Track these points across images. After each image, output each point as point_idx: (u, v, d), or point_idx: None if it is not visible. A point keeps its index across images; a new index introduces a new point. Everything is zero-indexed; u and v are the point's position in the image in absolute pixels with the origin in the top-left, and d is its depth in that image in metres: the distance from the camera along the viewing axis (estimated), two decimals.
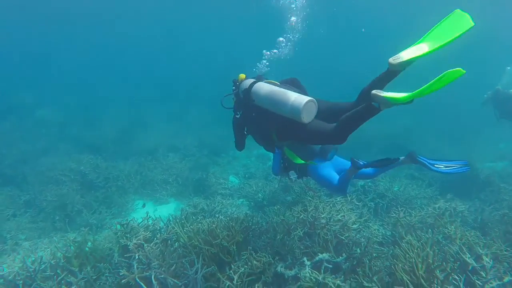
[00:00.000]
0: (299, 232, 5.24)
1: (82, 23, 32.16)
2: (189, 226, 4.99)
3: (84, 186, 8.54)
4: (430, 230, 5.28)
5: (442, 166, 3.63)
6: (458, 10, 2.65)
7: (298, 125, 3.35)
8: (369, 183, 8.28)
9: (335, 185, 4.00)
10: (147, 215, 5.52)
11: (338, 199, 6.33)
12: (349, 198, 6.46)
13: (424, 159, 3.71)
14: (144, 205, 8.33)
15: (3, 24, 29.78)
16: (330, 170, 4.26)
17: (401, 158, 3.82)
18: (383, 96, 2.70)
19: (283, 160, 4.12)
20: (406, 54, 2.77)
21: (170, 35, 38.05)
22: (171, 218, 5.87)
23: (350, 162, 4.09)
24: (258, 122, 3.77)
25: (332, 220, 5.36)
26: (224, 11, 31.04)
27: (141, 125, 14.96)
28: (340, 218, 5.40)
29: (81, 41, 35.96)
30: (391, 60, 2.82)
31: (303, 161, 3.87)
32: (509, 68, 13.67)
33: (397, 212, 5.81)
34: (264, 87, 3.57)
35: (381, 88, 2.98)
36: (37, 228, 7.15)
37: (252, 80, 3.82)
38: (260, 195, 8.02)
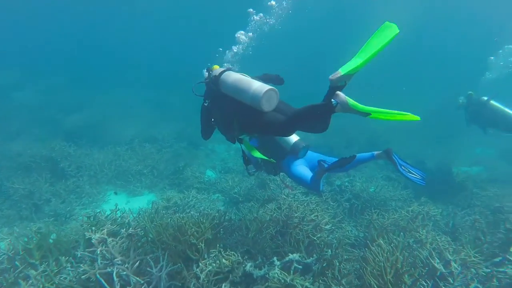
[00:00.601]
0: (271, 230, 5.17)
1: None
2: (158, 221, 4.85)
3: (54, 174, 8.27)
4: (402, 233, 5.28)
5: (406, 170, 3.71)
6: (387, 22, 2.82)
7: (257, 114, 3.41)
8: (346, 183, 8.28)
9: (308, 184, 4.00)
10: (116, 207, 5.34)
11: (313, 198, 6.29)
12: (324, 197, 6.43)
13: (397, 158, 3.80)
14: (116, 193, 8.14)
15: None
16: (303, 167, 4.27)
17: (376, 152, 3.96)
18: (345, 98, 2.86)
19: (243, 152, 4.20)
20: (344, 69, 2.85)
21: (156, 21, 37.17)
22: (141, 212, 5.72)
23: (325, 156, 4.37)
24: (222, 109, 3.81)
25: (305, 219, 5.31)
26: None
27: (121, 112, 14.60)
28: (313, 218, 5.34)
29: (70, 21, 34.86)
30: (331, 77, 2.88)
31: (261, 155, 3.87)
32: (492, 58, 13.79)
33: (370, 213, 5.78)
34: (232, 75, 3.64)
35: None
36: (2, 216, 6.86)
37: (222, 69, 3.85)
38: (235, 190, 7.92)
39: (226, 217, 5.43)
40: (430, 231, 5.32)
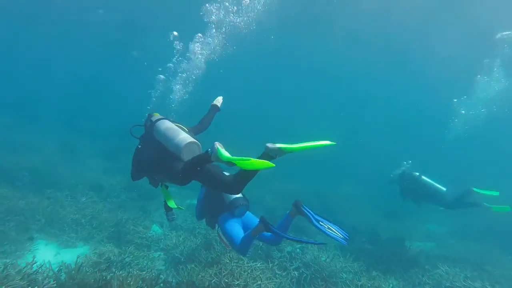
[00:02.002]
0: None
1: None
2: (79, 279, 4.25)
3: None
4: None
5: (325, 226, 3.70)
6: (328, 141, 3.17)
7: (176, 162, 3.63)
8: (297, 250, 7.90)
9: (236, 245, 4.07)
10: (33, 260, 4.68)
11: (259, 265, 5.85)
12: (270, 265, 6.00)
13: (309, 211, 3.90)
14: (31, 238, 7.31)
15: None
16: (237, 227, 4.31)
17: (289, 211, 4.12)
18: (277, 148, 3.11)
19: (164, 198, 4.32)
20: (282, 146, 3.13)
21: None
22: (63, 267, 5.04)
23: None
24: (150, 153, 3.94)
25: None
26: None
27: (70, 156, 13.84)
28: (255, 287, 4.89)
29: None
30: (268, 145, 3.16)
31: (174, 205, 4.14)
32: (455, 100, 14.80)
33: (317, 286, 5.37)
34: (165, 123, 3.92)
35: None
36: None
37: (160, 117, 4.13)
38: (179, 249, 7.34)
39: (161, 279, 4.92)
40: None
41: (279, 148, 3.11)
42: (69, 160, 13.20)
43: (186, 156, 3.59)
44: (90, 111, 26.64)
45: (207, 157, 3.19)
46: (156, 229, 9.16)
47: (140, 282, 4.37)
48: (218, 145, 3.13)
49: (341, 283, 6.23)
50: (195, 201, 10.19)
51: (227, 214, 4.38)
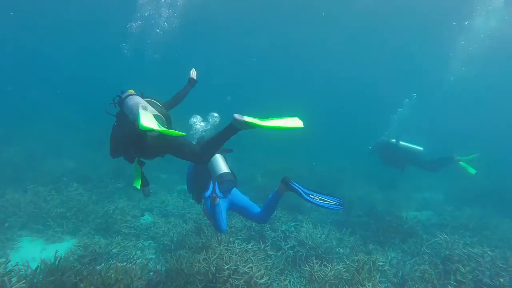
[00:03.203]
0: (197, 285, 4.41)
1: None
2: (58, 276, 3.96)
3: None
4: (346, 286, 4.68)
5: (317, 198, 3.74)
6: (297, 118, 3.26)
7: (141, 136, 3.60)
8: (292, 228, 7.70)
9: (215, 224, 4.15)
10: (7, 259, 4.37)
11: (250, 246, 5.60)
12: (262, 246, 5.75)
13: (298, 186, 3.96)
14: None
15: None
16: (219, 205, 4.27)
17: (278, 188, 4.16)
18: (243, 120, 3.13)
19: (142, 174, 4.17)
20: (249, 119, 3.16)
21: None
22: (42, 264, 4.74)
23: (250, 202, 4.62)
24: (122, 129, 3.89)
25: (237, 272, 4.59)
26: None
27: (56, 148, 13.42)
28: (246, 271, 4.63)
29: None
30: (236, 116, 3.18)
31: (138, 184, 3.99)
32: (407, 100, 15.48)
33: (311, 264, 5.12)
34: (134, 99, 3.77)
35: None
36: None
37: (131, 93, 4.01)
38: (169, 236, 7.08)
39: (149, 268, 4.66)
40: (377, 284, 4.75)
41: (245, 122, 3.13)
42: (54, 153, 12.79)
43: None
44: (78, 102, 25.91)
45: (234, 130, 3.29)
46: (146, 217, 8.89)
47: (123, 274, 4.08)
48: (238, 117, 3.17)
49: (337, 259, 6.02)
50: (184, 187, 9.93)
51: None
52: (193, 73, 4.97)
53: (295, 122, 3.22)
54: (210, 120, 5.35)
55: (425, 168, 8.99)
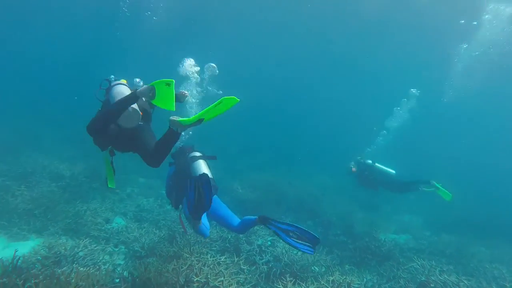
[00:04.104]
0: None
1: None
2: (13, 278, 3.68)
3: None
4: None
5: (295, 237, 3.54)
6: (224, 98, 3.26)
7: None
8: (268, 243, 7.51)
9: (196, 229, 4.02)
10: None
11: (223, 259, 5.39)
12: (236, 259, 5.53)
13: (276, 226, 3.76)
14: None
15: None
16: None
17: (255, 219, 4.02)
18: (177, 121, 3.27)
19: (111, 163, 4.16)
20: (183, 120, 3.28)
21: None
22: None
23: (229, 212, 4.48)
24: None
25: (207, 285, 4.38)
26: None
27: (32, 143, 12.96)
28: (217, 285, 4.42)
29: None
30: (172, 117, 3.31)
31: (112, 179, 4.07)
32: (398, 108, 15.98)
33: (285, 282, 4.93)
34: (119, 88, 3.78)
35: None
36: None
37: (118, 82, 3.99)
38: (140, 243, 6.80)
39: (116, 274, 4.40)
40: None
41: (179, 122, 3.26)
42: (31, 147, 12.34)
43: (123, 122, 3.54)
44: (59, 96, 25.31)
45: (175, 134, 3.35)
46: (119, 221, 8.56)
47: (85, 279, 3.83)
48: (174, 118, 3.31)
49: (311, 278, 5.84)
50: (163, 191, 9.65)
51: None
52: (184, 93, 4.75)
53: (228, 101, 3.25)
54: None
55: (394, 191, 9.37)
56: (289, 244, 3.50)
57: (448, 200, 8.58)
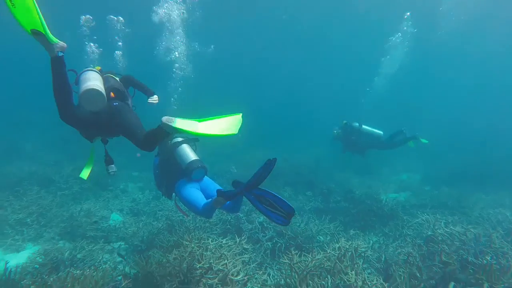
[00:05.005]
0: (167, 287, 4.02)
1: None
2: None
3: None
4: (329, 276, 4.38)
5: (268, 204, 3.11)
6: (240, 115, 3.26)
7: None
8: None
9: (198, 210, 3.78)
10: None
11: (225, 241, 5.23)
12: (238, 239, 5.38)
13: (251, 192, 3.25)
14: None
15: None
16: (195, 191, 4.05)
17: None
18: (170, 125, 2.96)
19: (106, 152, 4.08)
20: (180, 123, 2.97)
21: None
22: None
23: (218, 186, 4.23)
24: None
25: (211, 270, 4.22)
26: None
27: (14, 152, 12.57)
28: (221, 268, 4.26)
29: None
30: (164, 119, 2.97)
31: (87, 170, 3.94)
32: (368, 89, 16.18)
33: (290, 256, 4.79)
34: (88, 73, 3.50)
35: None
36: None
37: (89, 68, 3.67)
38: (139, 237, 6.62)
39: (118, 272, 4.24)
40: (360, 272, 4.47)
41: (174, 128, 2.97)
42: (13, 156, 11.96)
43: (87, 105, 3.26)
44: (34, 101, 24.57)
45: (164, 134, 3.13)
46: (115, 217, 8.36)
47: (81, 283, 3.64)
48: (166, 120, 2.99)
49: (317, 247, 5.73)
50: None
51: (184, 180, 4.14)
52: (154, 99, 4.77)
53: (234, 122, 3.23)
54: None
55: (385, 148, 9.22)
56: (260, 211, 3.15)
57: (426, 142, 8.91)
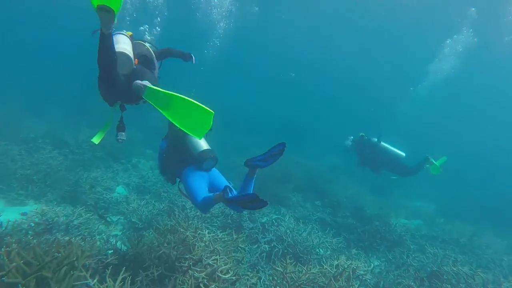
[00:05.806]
0: (153, 271, 3.88)
1: None
2: None
3: None
4: None
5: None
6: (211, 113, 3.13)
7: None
8: (273, 221, 7.17)
9: (197, 201, 3.77)
10: None
11: (220, 236, 5.07)
12: (235, 236, 5.20)
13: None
14: None
15: None
16: (202, 182, 4.02)
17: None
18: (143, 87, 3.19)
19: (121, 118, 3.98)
20: (150, 89, 3.19)
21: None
22: None
23: (226, 182, 4.19)
24: None
25: (200, 263, 4.06)
26: None
27: (39, 110, 12.77)
28: (211, 263, 4.09)
29: None
30: (137, 82, 3.20)
31: (101, 136, 3.86)
32: (412, 89, 15.56)
33: (284, 264, 4.58)
34: (118, 36, 3.49)
35: None
36: None
37: (121, 32, 3.65)
38: (138, 214, 6.53)
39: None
40: None
41: (147, 89, 3.18)
42: (36, 113, 12.15)
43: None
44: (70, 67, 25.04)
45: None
46: (120, 191, 8.33)
47: (67, 249, 3.53)
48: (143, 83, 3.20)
49: (315, 260, 5.50)
50: None
51: (193, 167, 4.09)
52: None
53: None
54: None
55: (404, 174, 8.34)
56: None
57: (436, 173, 7.99)
